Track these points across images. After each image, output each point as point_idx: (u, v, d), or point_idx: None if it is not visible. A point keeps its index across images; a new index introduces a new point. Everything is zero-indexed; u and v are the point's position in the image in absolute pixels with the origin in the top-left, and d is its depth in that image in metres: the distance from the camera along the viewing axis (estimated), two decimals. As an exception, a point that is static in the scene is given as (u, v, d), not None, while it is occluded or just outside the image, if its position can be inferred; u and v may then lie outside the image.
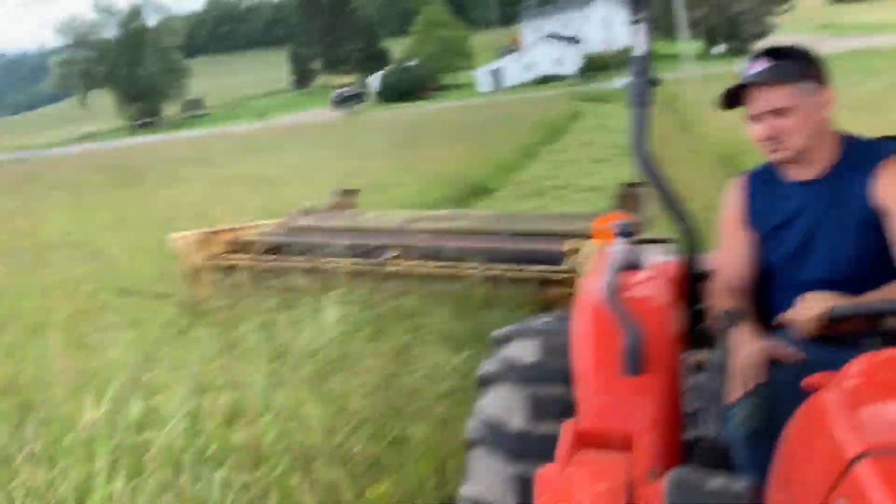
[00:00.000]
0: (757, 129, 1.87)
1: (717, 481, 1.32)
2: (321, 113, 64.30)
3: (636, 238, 2.03)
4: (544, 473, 1.30)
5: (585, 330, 1.81)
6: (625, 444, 1.42)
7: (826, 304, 1.65)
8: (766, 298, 2.02)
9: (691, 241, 2.06)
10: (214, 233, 5.55)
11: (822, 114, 1.86)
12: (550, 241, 4.63)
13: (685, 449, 1.79)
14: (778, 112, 1.82)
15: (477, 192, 11.73)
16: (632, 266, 1.94)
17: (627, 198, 5.42)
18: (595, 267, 2.04)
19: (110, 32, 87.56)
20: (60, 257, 6.53)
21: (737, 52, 59.37)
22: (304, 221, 5.96)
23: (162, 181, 14.96)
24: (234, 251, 5.47)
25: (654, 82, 1.97)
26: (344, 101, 67.12)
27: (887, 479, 0.90)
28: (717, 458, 1.57)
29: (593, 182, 11.46)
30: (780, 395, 1.55)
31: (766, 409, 1.58)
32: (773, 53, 1.88)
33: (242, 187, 11.73)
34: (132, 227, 7.98)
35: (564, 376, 1.89)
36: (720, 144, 11.74)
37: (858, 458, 0.95)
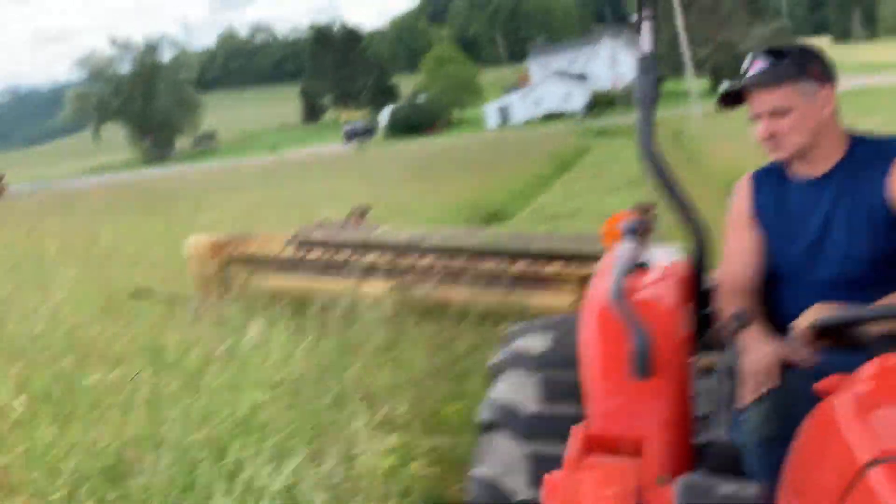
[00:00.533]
0: (757, 129, 1.89)
1: (727, 487, 1.30)
2: (332, 146, 65.32)
3: (646, 239, 1.97)
4: (552, 478, 1.27)
5: (593, 332, 1.78)
6: (634, 449, 1.40)
7: (820, 314, 1.59)
8: (775, 299, 2.00)
9: (699, 242, 2.04)
10: (228, 240, 5.57)
11: (823, 113, 1.84)
12: (565, 265, 4.61)
13: (695, 454, 1.76)
14: (776, 112, 1.83)
15: (493, 217, 12.26)
16: (640, 267, 1.92)
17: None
18: (603, 268, 2.00)
19: (126, 67, 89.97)
20: (121, 264, 7.06)
21: (741, 89, 60.60)
22: (317, 234, 6.04)
23: (195, 205, 15.50)
24: (246, 259, 5.51)
25: (660, 80, 1.97)
26: (355, 135, 68.58)
27: None
28: (728, 463, 1.53)
29: (604, 208, 11.96)
30: (792, 399, 1.54)
31: (778, 414, 1.55)
32: (773, 53, 1.87)
33: (274, 209, 12.15)
34: (180, 240, 8.48)
35: (571, 363, 1.90)
36: (725, 174, 12.26)
37: (871, 463, 0.93)
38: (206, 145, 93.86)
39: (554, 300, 4.31)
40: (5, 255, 8.70)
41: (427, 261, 4.99)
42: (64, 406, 3.51)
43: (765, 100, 1.83)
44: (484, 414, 2.01)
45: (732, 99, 1.92)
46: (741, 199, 2.04)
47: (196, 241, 5.51)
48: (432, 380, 3.87)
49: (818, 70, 1.85)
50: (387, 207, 11.88)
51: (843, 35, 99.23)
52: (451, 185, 15.51)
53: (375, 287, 4.85)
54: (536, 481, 1.71)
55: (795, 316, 1.78)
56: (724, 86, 1.80)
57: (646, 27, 1.95)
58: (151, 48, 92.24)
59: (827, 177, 1.88)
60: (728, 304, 1.92)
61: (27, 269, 7.36)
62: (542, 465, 1.71)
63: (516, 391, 1.98)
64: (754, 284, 1.98)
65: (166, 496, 2.71)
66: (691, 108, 35.74)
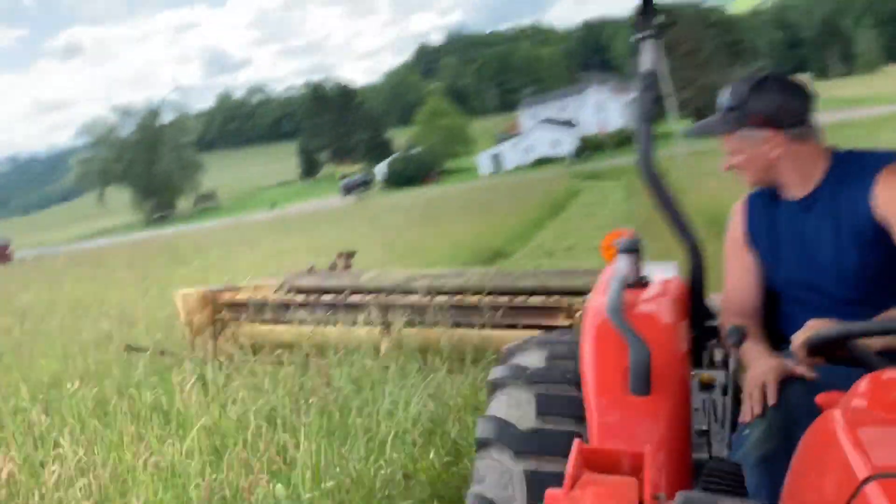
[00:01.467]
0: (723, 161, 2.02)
1: None
2: (330, 200, 66.64)
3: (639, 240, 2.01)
4: (552, 495, 1.24)
5: (591, 348, 1.78)
6: (633, 466, 1.36)
7: (815, 330, 1.56)
8: (772, 317, 2.05)
9: (697, 258, 2.05)
10: (217, 291, 5.60)
11: (770, 155, 1.89)
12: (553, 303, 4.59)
13: (695, 470, 1.73)
14: (730, 152, 1.97)
15: (497, 255, 13.43)
16: (637, 283, 1.91)
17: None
18: (601, 283, 2.00)
19: (128, 132, 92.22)
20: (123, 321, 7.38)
21: (725, 129, 62.71)
22: (304, 281, 6.01)
23: (215, 258, 16.46)
24: (236, 309, 5.55)
25: (660, 97, 1.99)
26: (352, 187, 70.39)
27: None
28: (728, 479, 1.50)
29: (596, 244, 13.12)
30: (793, 416, 1.55)
31: (779, 431, 1.56)
32: (733, 94, 1.92)
33: (293, 256, 13.23)
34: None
35: (569, 378, 1.93)
36: (710, 208, 13.47)
37: (868, 479, 0.93)
38: (207, 204, 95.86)
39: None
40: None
41: (417, 301, 4.98)
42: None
43: (719, 141, 1.98)
44: (481, 430, 1.98)
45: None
46: (736, 223, 2.10)
47: (184, 294, 5.48)
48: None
49: (763, 117, 1.87)
50: (394, 251, 13.09)
51: (821, 73, 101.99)
52: (452, 228, 16.53)
53: (367, 331, 4.82)
54: (534, 498, 1.73)
55: (788, 330, 1.82)
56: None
57: (646, 46, 1.97)
58: (153, 113, 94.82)
59: (812, 196, 1.91)
60: (729, 324, 1.97)
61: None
62: (539, 483, 1.72)
63: (513, 408, 1.97)
64: (756, 305, 2.03)
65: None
66: (675, 148, 37.43)
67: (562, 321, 4.31)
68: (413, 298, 5.05)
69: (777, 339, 1.96)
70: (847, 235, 1.84)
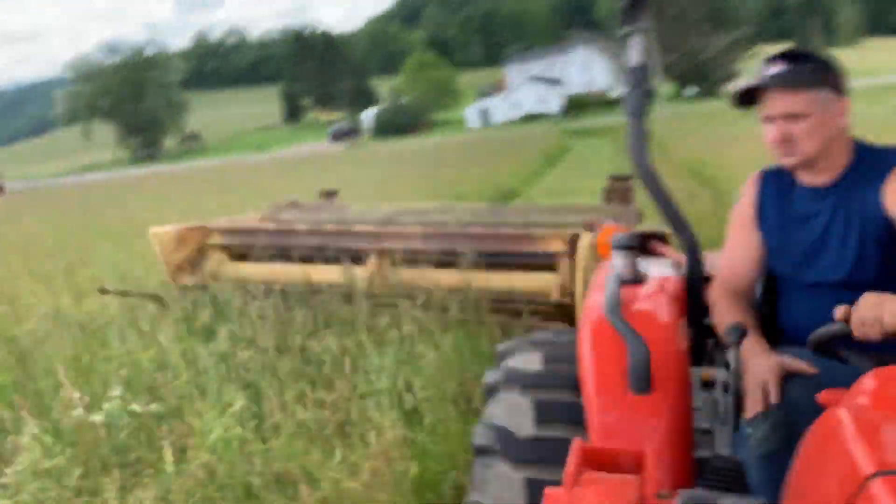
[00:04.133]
0: (769, 132, 1.84)
1: (730, 501, 1.24)
2: (316, 146, 66.98)
3: (635, 236, 1.96)
4: (552, 494, 1.21)
5: (590, 347, 1.76)
6: (634, 464, 1.33)
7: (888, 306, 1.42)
8: (770, 301, 2.04)
9: (693, 254, 2.02)
10: (192, 228, 5.34)
11: (836, 123, 1.81)
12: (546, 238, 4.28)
13: (696, 468, 1.74)
14: (792, 116, 1.79)
15: (510, 195, 15.01)
16: (635, 280, 1.89)
17: (617, 191, 5.48)
18: (597, 282, 1.97)
19: (114, 68, 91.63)
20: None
21: (706, 94, 64.59)
22: (287, 215, 5.75)
23: (248, 190, 17.24)
24: (212, 246, 5.29)
25: (650, 92, 1.95)
26: (342, 135, 71.32)
27: None
28: (729, 477, 1.49)
29: (595, 187, 14.60)
30: (795, 413, 1.55)
31: (781, 428, 1.55)
32: (792, 57, 1.82)
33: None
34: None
35: (567, 383, 1.91)
36: (689, 163, 15.16)
37: (873, 476, 0.93)
38: (192, 145, 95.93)
39: (536, 278, 4.14)
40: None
41: (408, 238, 4.63)
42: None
43: (782, 102, 1.80)
44: (479, 438, 1.96)
45: (745, 98, 1.87)
46: (747, 196, 2.03)
47: (159, 232, 5.21)
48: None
49: (836, 80, 1.81)
50: (407, 195, 13.37)
51: (803, 43, 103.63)
52: (459, 174, 17.01)
53: (359, 270, 4.58)
54: None
55: (789, 319, 1.89)
56: (740, 83, 1.91)
57: (635, 39, 1.94)
58: (139, 51, 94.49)
59: (830, 187, 1.87)
60: (722, 300, 1.96)
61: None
62: (539, 491, 1.64)
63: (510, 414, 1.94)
64: (750, 284, 2.02)
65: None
66: (659, 110, 39.28)
67: (558, 247, 4.04)
68: (403, 231, 4.73)
69: (774, 331, 1.95)
70: (854, 229, 1.81)
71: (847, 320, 1.47)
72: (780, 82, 1.80)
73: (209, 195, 17.43)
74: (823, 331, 1.53)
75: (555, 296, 3.91)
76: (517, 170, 18.83)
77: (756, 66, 1.86)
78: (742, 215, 2.04)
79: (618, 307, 1.70)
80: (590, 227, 4.09)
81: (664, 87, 45.54)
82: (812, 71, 1.80)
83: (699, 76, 69.13)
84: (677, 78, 70.82)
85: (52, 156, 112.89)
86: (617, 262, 1.90)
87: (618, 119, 40.71)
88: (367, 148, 50.62)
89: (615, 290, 1.76)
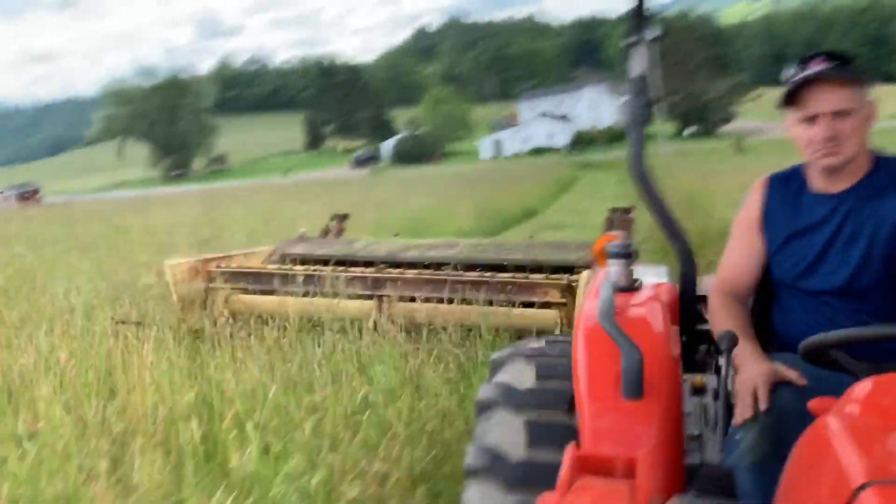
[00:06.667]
0: (814, 131, 1.79)
1: None
2: (337, 171, 70.08)
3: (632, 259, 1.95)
4: (545, 500, 1.21)
5: (584, 353, 1.77)
6: (626, 470, 1.35)
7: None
8: (770, 308, 2.03)
9: (688, 261, 2.03)
10: (206, 260, 5.46)
11: (870, 125, 1.81)
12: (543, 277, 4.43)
13: (686, 474, 1.74)
14: (839, 113, 1.75)
15: (528, 214, 17.47)
16: (629, 287, 1.90)
17: (620, 221, 5.61)
18: (592, 289, 1.99)
19: (150, 92, 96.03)
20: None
21: (705, 133, 68.95)
22: (296, 249, 5.91)
23: (291, 203, 18.73)
24: (225, 279, 5.37)
25: (651, 102, 1.97)
26: (363, 161, 75.89)
27: None
28: (720, 484, 1.50)
29: (602, 206, 14.05)
30: (785, 420, 1.55)
31: (771, 435, 1.55)
32: (831, 56, 1.79)
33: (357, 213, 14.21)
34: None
35: (560, 402, 1.89)
36: (682, 193, 16.79)
37: (863, 486, 0.92)
38: (218, 167, 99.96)
39: (539, 314, 4.22)
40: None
41: (410, 274, 4.84)
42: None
43: (827, 99, 1.76)
44: (470, 459, 1.91)
45: (786, 98, 1.83)
46: (753, 201, 2.02)
47: (173, 264, 5.32)
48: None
49: (868, 81, 1.82)
50: (439, 213, 14.91)
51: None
52: (479, 197, 18.62)
53: (358, 304, 4.67)
54: None
55: (787, 327, 1.91)
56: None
57: (636, 51, 1.96)
58: (175, 75, 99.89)
59: (844, 193, 1.85)
60: (719, 307, 1.97)
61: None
62: None
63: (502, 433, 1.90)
64: (750, 290, 2.02)
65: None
66: (660, 147, 43.38)
67: (555, 298, 4.18)
68: (406, 272, 4.92)
69: (769, 336, 1.97)
70: (867, 239, 1.80)
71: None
72: (832, 76, 1.75)
73: (275, 210, 18.09)
74: (817, 338, 1.54)
75: (557, 331, 4.04)
76: (535, 194, 21.76)
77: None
78: (746, 220, 2.02)
79: (612, 314, 1.68)
80: (588, 266, 4.43)
81: (665, 126, 49.21)
82: (855, 68, 1.79)
83: (699, 117, 73.31)
84: (679, 118, 74.94)
85: (78, 173, 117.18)
86: (612, 270, 1.90)
87: (620, 154, 44.48)
88: (388, 174, 52.62)
89: (609, 296, 1.73)
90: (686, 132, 73.96)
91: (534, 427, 1.87)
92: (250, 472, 2.73)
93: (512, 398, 1.96)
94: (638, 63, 1.95)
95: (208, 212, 17.99)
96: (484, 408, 2.01)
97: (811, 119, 1.79)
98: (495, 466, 1.84)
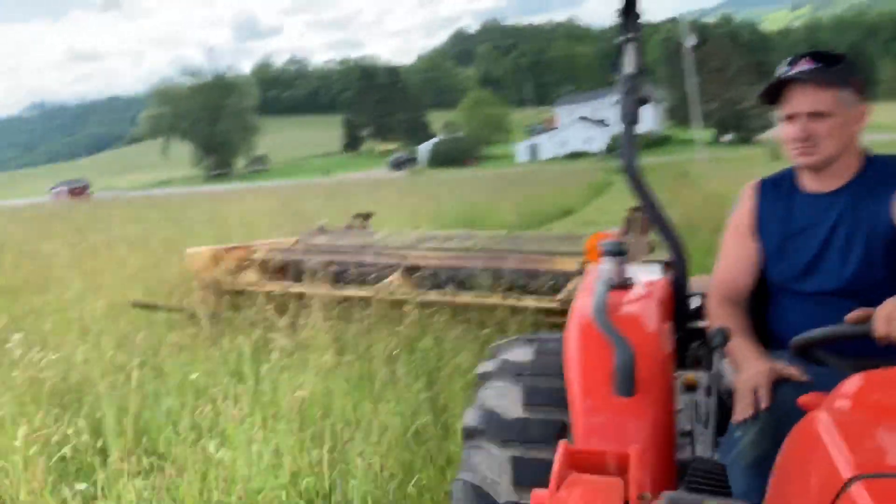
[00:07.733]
0: (790, 129, 1.85)
1: None
2: (376, 172, 70.79)
3: (626, 257, 1.96)
4: (538, 496, 1.20)
5: (576, 350, 1.78)
6: (618, 466, 1.33)
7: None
8: (766, 311, 2.03)
9: (680, 259, 2.05)
10: (228, 249, 5.56)
11: (855, 127, 1.83)
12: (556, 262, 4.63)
13: (678, 470, 1.76)
14: (815, 115, 1.80)
15: (566, 212, 18.74)
16: (622, 285, 1.90)
17: (636, 220, 5.69)
18: (585, 286, 1.99)
19: (195, 91, 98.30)
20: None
21: (742, 140, 68.61)
22: (317, 240, 6.08)
23: (346, 201, 18.99)
24: (247, 268, 5.50)
25: (643, 100, 1.95)
26: (402, 163, 77.12)
27: (882, 503, 0.88)
28: (712, 479, 1.46)
29: None
30: (784, 418, 1.51)
31: (771, 434, 1.56)
32: (819, 56, 1.82)
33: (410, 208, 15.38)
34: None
35: (556, 371, 1.94)
36: (713, 196, 16.89)
37: (852, 480, 0.93)
38: (259, 167, 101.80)
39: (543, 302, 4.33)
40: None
41: (431, 262, 5.05)
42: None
43: (806, 99, 1.81)
44: (468, 420, 2.01)
45: (771, 95, 1.87)
46: (744, 206, 2.04)
47: (194, 252, 5.39)
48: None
49: (860, 84, 1.83)
50: (485, 209, 15.78)
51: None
52: (519, 197, 19.43)
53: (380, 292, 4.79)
54: (520, 483, 1.80)
55: (785, 328, 1.88)
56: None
57: (629, 49, 1.98)
58: (221, 75, 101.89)
59: (836, 193, 1.87)
60: (717, 311, 1.97)
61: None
62: (524, 469, 1.78)
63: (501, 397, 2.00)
64: (745, 293, 2.01)
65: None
66: (697, 153, 43.57)
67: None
68: (426, 261, 5.12)
69: (767, 337, 1.96)
70: (859, 238, 1.81)
71: (862, 322, 1.49)
72: (809, 77, 1.78)
73: (344, 205, 19.19)
74: (811, 334, 1.57)
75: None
76: (571, 194, 22.69)
77: (781, 66, 1.87)
78: (739, 224, 2.04)
79: (605, 310, 1.71)
80: None
81: (702, 132, 49.33)
82: (838, 71, 1.80)
83: (737, 124, 73.05)
84: (716, 124, 74.71)
85: (122, 171, 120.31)
86: (605, 267, 1.92)
87: (658, 159, 44.85)
88: (427, 176, 53.15)
89: (603, 293, 1.77)
90: (723, 139, 73.81)
91: (529, 390, 2.00)
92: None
93: (510, 368, 2.09)
94: (630, 60, 1.98)
95: (288, 204, 18.60)
96: (484, 379, 2.14)
97: (791, 118, 1.85)
98: (491, 425, 1.95)
